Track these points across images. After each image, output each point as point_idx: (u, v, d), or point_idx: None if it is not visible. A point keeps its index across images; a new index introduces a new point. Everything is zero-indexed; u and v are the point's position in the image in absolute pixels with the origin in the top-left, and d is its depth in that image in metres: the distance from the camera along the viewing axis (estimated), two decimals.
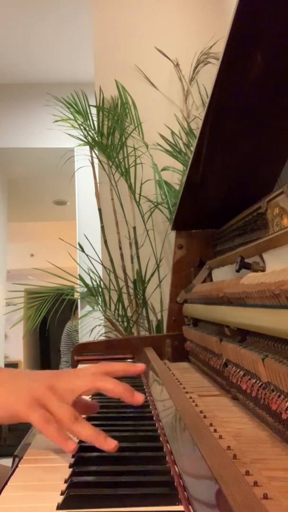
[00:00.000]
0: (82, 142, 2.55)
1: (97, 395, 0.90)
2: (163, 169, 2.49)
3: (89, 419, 0.72)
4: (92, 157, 2.57)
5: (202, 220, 1.41)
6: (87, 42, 3.15)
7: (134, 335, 2.37)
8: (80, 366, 1.36)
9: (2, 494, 0.49)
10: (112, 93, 2.60)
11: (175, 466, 0.53)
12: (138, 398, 0.57)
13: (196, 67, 2.61)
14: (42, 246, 6.92)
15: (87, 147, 2.57)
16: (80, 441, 0.62)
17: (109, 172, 2.51)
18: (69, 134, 2.56)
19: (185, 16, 2.76)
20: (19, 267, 6.86)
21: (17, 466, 0.57)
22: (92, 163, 2.58)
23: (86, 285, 2.48)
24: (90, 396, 0.89)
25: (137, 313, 2.44)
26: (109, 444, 0.52)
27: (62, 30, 3.80)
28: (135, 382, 1.05)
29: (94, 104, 2.55)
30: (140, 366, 0.64)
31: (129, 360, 1.41)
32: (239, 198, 1.06)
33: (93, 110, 2.53)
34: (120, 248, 2.47)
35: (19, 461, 0.58)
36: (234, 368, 0.78)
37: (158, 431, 0.66)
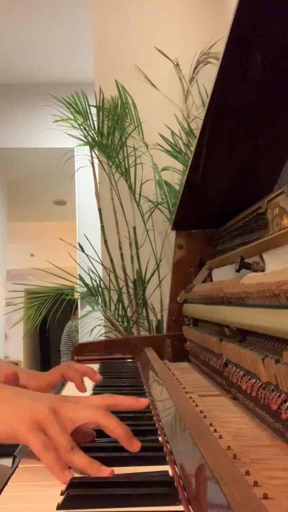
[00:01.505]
0: (82, 142, 2.55)
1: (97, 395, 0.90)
2: (163, 169, 2.49)
3: None
4: (92, 157, 2.57)
5: (202, 220, 1.41)
6: (87, 42, 3.15)
7: (134, 335, 2.37)
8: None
9: (2, 494, 0.49)
10: (112, 93, 2.60)
11: (175, 466, 0.53)
12: (135, 445, 0.57)
13: (196, 67, 2.61)
14: (42, 246, 6.92)
15: (87, 147, 2.58)
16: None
17: (109, 172, 2.52)
18: (69, 134, 2.56)
19: (185, 16, 2.77)
20: (19, 267, 6.86)
21: (17, 466, 0.57)
22: (92, 163, 2.58)
23: (86, 285, 2.48)
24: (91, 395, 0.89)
25: (137, 313, 2.44)
26: (104, 472, 0.52)
27: (63, 31, 3.80)
28: (136, 382, 1.05)
29: (94, 104, 2.55)
30: (144, 401, 0.64)
31: (129, 360, 1.41)
32: (239, 198, 1.06)
33: (93, 110, 2.53)
34: (120, 248, 2.47)
35: (19, 461, 0.58)
36: (234, 368, 0.78)
37: (158, 431, 0.66)
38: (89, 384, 1.02)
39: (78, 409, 0.58)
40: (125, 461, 0.56)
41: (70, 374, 0.87)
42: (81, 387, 0.86)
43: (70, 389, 0.99)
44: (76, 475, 0.53)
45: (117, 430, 0.57)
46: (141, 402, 0.63)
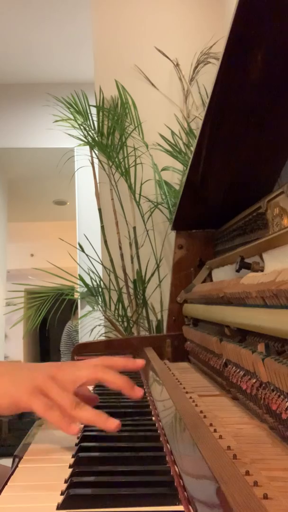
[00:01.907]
0: (82, 142, 2.55)
1: (97, 395, 0.90)
2: (163, 169, 2.49)
3: None
4: (92, 157, 2.57)
5: (202, 220, 1.41)
6: (87, 42, 3.14)
7: (134, 335, 2.37)
8: None
9: (2, 494, 0.49)
10: (112, 93, 2.60)
11: (175, 466, 0.53)
12: (137, 392, 0.58)
13: (196, 67, 2.61)
14: (42, 246, 6.92)
15: (87, 147, 2.58)
16: (81, 441, 0.62)
17: (109, 172, 2.52)
18: (69, 134, 2.56)
19: (185, 16, 2.76)
20: (19, 267, 6.86)
21: (17, 466, 0.57)
22: (92, 163, 2.58)
23: (86, 285, 2.48)
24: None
25: (137, 313, 2.44)
26: (111, 424, 0.53)
27: (62, 30, 3.80)
28: (136, 382, 1.05)
29: (94, 104, 2.55)
30: (139, 362, 0.65)
31: None
32: (239, 198, 1.06)
33: (93, 110, 2.53)
34: (120, 248, 2.47)
35: (19, 461, 0.58)
36: (234, 368, 0.78)
37: (158, 431, 0.66)
38: None
39: (75, 369, 0.60)
40: (125, 461, 0.56)
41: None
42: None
43: None
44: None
45: (117, 380, 0.59)
46: (136, 363, 0.64)
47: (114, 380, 0.58)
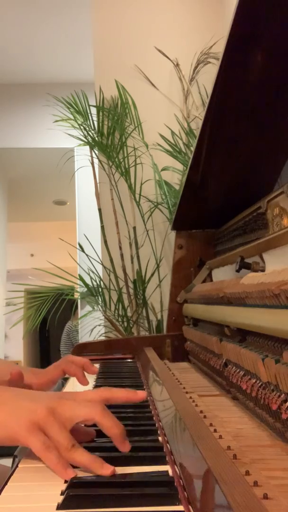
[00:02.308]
0: (82, 142, 2.55)
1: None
2: (163, 169, 2.49)
3: None
4: (92, 157, 2.57)
5: (202, 220, 1.41)
6: (87, 42, 3.14)
7: (134, 335, 2.37)
8: None
9: (2, 494, 0.49)
10: (112, 93, 2.60)
11: (175, 466, 0.53)
12: (126, 446, 0.58)
13: (196, 67, 2.61)
14: (42, 246, 6.92)
15: (87, 147, 2.58)
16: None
17: (109, 172, 2.52)
18: (69, 134, 2.56)
19: (185, 16, 2.77)
20: (19, 267, 6.86)
21: (17, 466, 0.57)
22: (92, 163, 2.58)
23: (86, 285, 2.48)
24: None
25: (137, 313, 2.44)
26: (106, 470, 0.53)
27: (63, 30, 3.80)
28: (136, 382, 1.05)
29: (94, 104, 2.55)
30: (141, 394, 0.64)
31: (129, 360, 1.41)
32: (239, 198, 1.06)
33: (93, 110, 2.53)
34: (120, 248, 2.47)
35: (19, 461, 0.58)
36: (234, 368, 0.78)
37: (158, 431, 0.66)
38: (90, 381, 1.02)
39: (75, 406, 0.59)
40: (125, 461, 0.56)
41: (71, 370, 0.88)
42: (83, 381, 0.88)
43: (71, 383, 0.99)
44: (80, 473, 0.53)
45: (112, 429, 0.57)
46: (138, 395, 0.64)
47: (110, 429, 0.58)
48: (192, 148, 1.89)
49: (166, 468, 0.53)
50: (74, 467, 0.54)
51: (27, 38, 3.89)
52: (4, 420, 0.56)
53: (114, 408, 0.82)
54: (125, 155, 2.48)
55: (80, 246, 2.62)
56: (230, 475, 0.44)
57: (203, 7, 2.76)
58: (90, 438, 0.63)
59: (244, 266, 0.89)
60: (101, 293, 2.46)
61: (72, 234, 4.29)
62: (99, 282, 2.48)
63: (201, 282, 1.33)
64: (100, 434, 0.61)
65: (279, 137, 1.04)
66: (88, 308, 2.66)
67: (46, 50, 4.07)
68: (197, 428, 0.60)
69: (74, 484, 0.50)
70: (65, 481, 0.51)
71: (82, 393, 0.63)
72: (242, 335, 0.79)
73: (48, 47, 4.03)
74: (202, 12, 2.76)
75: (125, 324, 2.41)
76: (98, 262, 2.51)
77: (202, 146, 1.06)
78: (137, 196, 2.46)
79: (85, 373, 0.90)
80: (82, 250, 2.54)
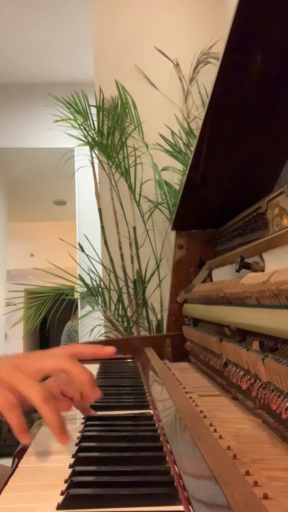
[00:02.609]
0: (82, 142, 2.55)
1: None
2: (163, 169, 2.49)
3: (89, 419, 0.72)
4: (92, 157, 2.57)
5: (202, 220, 1.41)
6: (87, 42, 3.14)
7: (134, 335, 2.37)
8: None
9: (2, 494, 0.49)
10: (112, 93, 2.60)
11: (175, 466, 0.53)
12: (97, 392, 0.57)
13: (196, 67, 2.61)
14: (42, 246, 6.92)
15: (87, 147, 2.58)
16: (81, 441, 0.62)
17: (109, 172, 2.52)
18: (69, 134, 2.56)
19: (185, 16, 2.77)
20: (19, 267, 6.86)
21: (17, 466, 0.57)
22: (92, 163, 2.58)
23: (86, 285, 2.48)
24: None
25: (137, 313, 2.44)
26: (63, 438, 0.52)
27: (62, 30, 3.80)
28: (136, 382, 1.05)
29: (94, 104, 2.55)
30: (109, 349, 0.64)
31: (129, 360, 1.41)
32: (239, 198, 1.06)
33: (93, 110, 2.53)
34: (120, 248, 2.47)
35: (19, 461, 0.58)
36: (234, 368, 0.78)
37: (158, 431, 0.66)
38: None
39: (42, 358, 0.59)
40: (125, 461, 0.56)
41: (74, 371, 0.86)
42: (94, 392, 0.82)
43: None
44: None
45: (81, 375, 0.57)
46: (105, 350, 0.64)
47: (79, 374, 0.57)
48: (192, 148, 1.89)
49: (166, 468, 0.53)
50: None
51: (26, 37, 3.89)
52: None
53: (114, 408, 0.82)
54: (125, 155, 2.48)
55: (80, 246, 2.62)
56: (230, 475, 0.44)
57: (203, 7, 2.76)
58: (67, 407, 0.63)
59: (244, 266, 0.89)
60: (101, 293, 2.46)
61: (72, 234, 4.29)
62: (99, 282, 2.48)
63: (201, 282, 1.33)
64: (101, 435, 0.61)
65: (279, 137, 1.04)
66: (88, 308, 2.66)
67: (45, 50, 4.07)
68: (197, 428, 0.60)
69: (74, 484, 0.50)
70: (65, 481, 0.51)
71: (50, 350, 0.64)
72: (242, 335, 0.79)
73: (47, 47, 4.02)
74: (202, 12, 2.76)
75: (125, 324, 2.41)
76: (98, 262, 2.51)
77: (202, 146, 1.06)
78: (137, 196, 2.46)
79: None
80: (82, 250, 2.54)
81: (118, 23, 2.76)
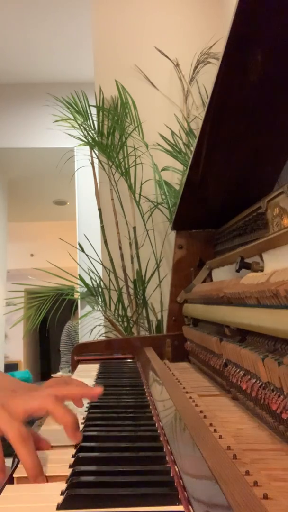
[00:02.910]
0: (82, 142, 2.55)
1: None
2: (163, 169, 2.49)
3: (89, 419, 0.72)
4: (92, 157, 2.57)
5: (202, 220, 1.41)
6: (87, 42, 3.15)
7: (134, 335, 2.37)
8: (80, 366, 1.36)
9: (2, 494, 0.49)
10: (112, 93, 2.60)
11: (175, 466, 0.53)
12: (77, 436, 0.58)
13: (196, 67, 2.61)
14: (42, 246, 6.92)
15: (87, 147, 2.58)
16: (81, 441, 0.62)
17: (109, 172, 2.52)
18: (69, 134, 2.56)
19: (185, 16, 2.77)
20: (19, 267, 6.86)
21: (17, 466, 0.57)
22: (92, 163, 2.58)
23: (86, 285, 2.48)
24: (88, 402, 0.89)
25: (137, 313, 2.44)
26: (39, 480, 0.53)
27: (62, 30, 3.80)
28: (136, 382, 1.05)
29: (94, 104, 2.55)
30: (97, 390, 0.64)
31: (129, 360, 1.41)
32: (239, 198, 1.06)
33: (93, 110, 2.53)
34: (120, 248, 2.47)
35: (19, 461, 0.58)
36: (234, 368, 0.78)
37: (158, 431, 0.66)
38: (89, 383, 1.02)
39: (27, 399, 0.59)
40: (125, 461, 0.56)
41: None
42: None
43: None
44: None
45: (63, 418, 0.58)
46: (94, 391, 0.64)
47: (61, 418, 0.58)
48: (192, 148, 1.89)
49: (166, 468, 0.53)
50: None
51: (27, 37, 3.89)
52: None
53: (114, 408, 0.82)
54: (125, 155, 2.48)
55: (80, 246, 2.62)
56: (230, 475, 0.44)
57: (203, 7, 2.76)
58: (48, 447, 0.63)
59: (244, 266, 0.89)
60: (101, 293, 2.46)
61: (72, 234, 4.30)
62: (99, 282, 2.48)
63: (201, 282, 1.33)
64: (102, 436, 0.61)
65: (279, 137, 1.04)
66: (88, 308, 2.65)
67: (45, 50, 4.07)
68: (197, 428, 0.60)
69: (74, 484, 0.50)
70: (65, 481, 0.51)
71: (40, 387, 0.64)
72: (242, 335, 0.79)
73: (47, 47, 4.03)
74: (202, 12, 2.76)
75: (125, 324, 2.41)
76: (98, 262, 2.51)
77: (202, 146, 1.06)
78: (137, 196, 2.46)
79: (85, 376, 0.90)
80: (82, 250, 2.54)
81: (118, 23, 2.76)
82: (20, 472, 0.56)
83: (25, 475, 0.53)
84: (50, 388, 0.64)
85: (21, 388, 0.83)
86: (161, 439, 0.63)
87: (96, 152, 2.56)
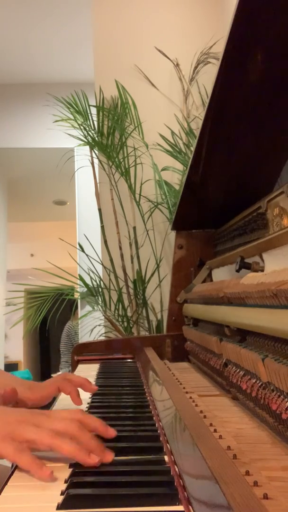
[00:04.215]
0: (82, 142, 2.55)
1: (97, 395, 0.90)
2: (163, 169, 2.49)
3: None
4: (92, 157, 2.57)
5: (202, 220, 1.41)
6: (87, 42, 3.14)
7: (134, 335, 2.37)
8: (80, 366, 1.36)
9: (2, 494, 0.49)
10: (112, 93, 2.60)
11: (175, 466, 0.53)
12: (93, 459, 0.57)
13: (196, 67, 2.61)
14: (42, 246, 6.92)
15: (87, 147, 2.57)
16: None
17: (109, 172, 2.52)
18: (69, 134, 2.56)
19: (185, 16, 2.76)
20: (19, 267, 6.86)
21: (17, 466, 0.57)
22: (92, 163, 2.58)
23: (86, 285, 2.48)
24: (90, 395, 0.89)
25: (137, 313, 2.44)
26: (93, 459, 0.53)
27: (62, 30, 3.80)
28: (136, 382, 1.05)
29: (94, 104, 2.55)
30: (111, 432, 0.62)
31: (129, 360, 1.41)
32: (239, 198, 1.06)
33: (93, 110, 2.53)
34: (120, 248, 2.47)
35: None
36: (234, 368, 0.78)
37: (158, 431, 0.66)
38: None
39: (54, 420, 0.59)
40: (125, 461, 0.56)
41: (66, 388, 0.83)
42: (77, 401, 0.83)
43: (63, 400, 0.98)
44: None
45: (90, 443, 0.57)
46: (108, 432, 0.62)
47: (89, 436, 0.58)
48: (192, 148, 1.89)
49: (166, 468, 0.53)
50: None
51: (27, 37, 3.89)
52: None
53: (114, 408, 0.82)
54: (125, 155, 2.48)
55: (80, 246, 2.62)
56: (230, 475, 0.44)
57: (203, 7, 2.76)
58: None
59: (244, 266, 0.89)
60: (101, 293, 2.46)
61: (72, 234, 4.29)
62: (99, 282, 2.48)
63: (201, 282, 1.33)
64: (102, 437, 0.61)
65: (279, 137, 1.04)
66: (88, 308, 2.65)
67: (45, 50, 4.07)
68: (197, 428, 0.60)
69: (74, 484, 0.50)
70: (65, 481, 0.51)
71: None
72: (242, 335, 0.79)
73: (48, 47, 4.02)
74: (202, 12, 2.76)
75: (125, 324, 2.41)
76: (98, 262, 2.51)
77: (202, 146, 1.06)
78: (137, 196, 2.46)
79: (85, 376, 0.90)
80: (82, 250, 2.54)
81: (118, 23, 2.76)
82: (18, 476, 0.56)
83: (22, 483, 0.53)
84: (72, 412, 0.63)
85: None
86: (161, 439, 0.63)
87: (96, 152, 2.56)
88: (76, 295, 2.63)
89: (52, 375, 5.27)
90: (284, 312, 0.59)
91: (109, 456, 0.56)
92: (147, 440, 0.63)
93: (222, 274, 1.21)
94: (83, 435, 0.57)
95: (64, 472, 0.53)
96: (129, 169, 2.47)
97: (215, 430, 0.63)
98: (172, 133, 2.54)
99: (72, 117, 2.53)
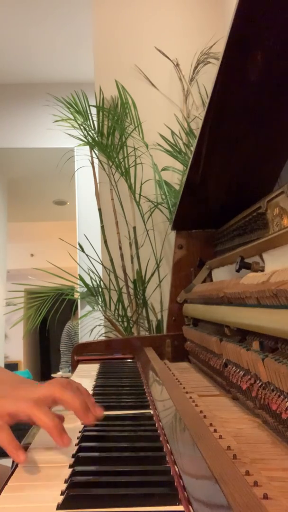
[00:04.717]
0: (82, 142, 2.55)
1: (97, 395, 0.90)
2: (163, 169, 2.49)
3: None
4: (92, 157, 2.57)
5: (202, 220, 1.41)
6: (87, 42, 3.15)
7: (134, 335, 2.37)
8: (80, 366, 1.36)
9: (2, 494, 0.49)
10: (112, 93, 2.60)
11: (175, 466, 0.53)
12: (91, 417, 0.58)
13: (196, 67, 2.61)
14: (42, 246, 6.92)
15: (87, 147, 2.58)
16: (81, 441, 0.62)
17: (109, 172, 2.52)
18: (69, 134, 2.56)
19: (185, 16, 2.76)
20: (19, 267, 6.86)
21: (17, 466, 0.57)
22: (92, 163, 2.58)
23: (86, 285, 2.48)
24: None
25: (137, 313, 2.44)
26: (19, 456, 0.54)
27: (62, 30, 3.80)
28: (136, 382, 1.05)
29: (94, 104, 2.55)
30: (96, 414, 0.63)
31: (129, 360, 1.41)
32: (239, 198, 1.06)
33: (93, 110, 2.53)
34: (120, 248, 2.47)
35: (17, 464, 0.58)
36: (234, 368, 0.78)
37: (158, 431, 0.66)
38: (89, 383, 1.02)
39: (34, 389, 0.61)
40: (125, 461, 0.56)
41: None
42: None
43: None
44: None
45: (74, 402, 0.59)
46: (89, 417, 0.62)
47: (71, 401, 0.59)
48: (192, 148, 1.89)
49: (166, 468, 0.53)
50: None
51: (27, 38, 3.89)
52: None
53: (114, 408, 0.82)
54: (125, 155, 2.48)
55: (80, 246, 2.62)
56: (230, 475, 0.44)
57: (203, 7, 2.76)
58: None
59: (244, 266, 0.89)
60: (101, 293, 2.46)
61: (72, 234, 4.29)
62: (99, 282, 2.48)
63: (201, 282, 1.33)
64: (102, 436, 0.61)
65: (279, 137, 1.04)
66: (88, 308, 2.65)
67: (45, 50, 4.07)
68: (197, 428, 0.60)
69: (74, 484, 0.50)
70: (65, 481, 0.51)
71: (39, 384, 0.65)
72: (242, 335, 0.79)
73: (48, 47, 4.02)
74: (202, 12, 2.76)
75: (125, 324, 2.41)
76: (98, 262, 2.51)
77: (202, 146, 1.06)
78: (137, 196, 2.46)
79: (85, 376, 0.90)
80: (82, 250, 2.54)
81: (118, 23, 2.76)
82: (18, 476, 0.56)
83: (22, 483, 0.53)
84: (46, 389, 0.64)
85: (22, 383, 0.83)
86: (161, 439, 0.63)
87: (96, 152, 2.56)
88: (76, 295, 2.63)
89: (52, 375, 5.27)
90: (284, 312, 0.59)
91: (99, 412, 0.59)
92: (147, 440, 0.63)
93: (222, 274, 1.21)
94: (65, 395, 0.58)
95: (64, 472, 0.54)
96: (129, 169, 2.47)
97: (215, 430, 0.63)
98: (172, 133, 2.54)
99: (72, 117, 2.53)
